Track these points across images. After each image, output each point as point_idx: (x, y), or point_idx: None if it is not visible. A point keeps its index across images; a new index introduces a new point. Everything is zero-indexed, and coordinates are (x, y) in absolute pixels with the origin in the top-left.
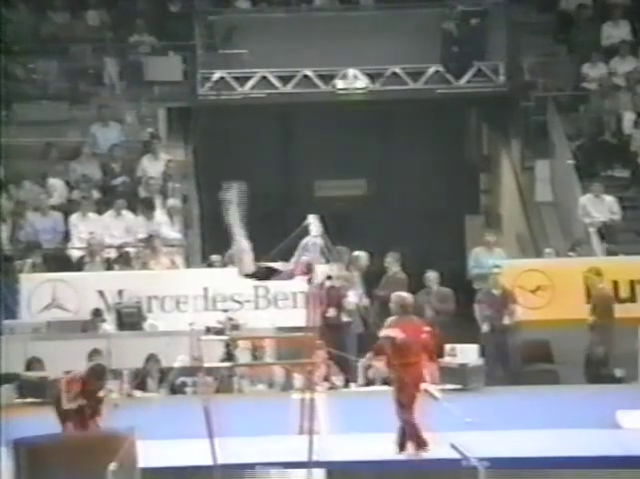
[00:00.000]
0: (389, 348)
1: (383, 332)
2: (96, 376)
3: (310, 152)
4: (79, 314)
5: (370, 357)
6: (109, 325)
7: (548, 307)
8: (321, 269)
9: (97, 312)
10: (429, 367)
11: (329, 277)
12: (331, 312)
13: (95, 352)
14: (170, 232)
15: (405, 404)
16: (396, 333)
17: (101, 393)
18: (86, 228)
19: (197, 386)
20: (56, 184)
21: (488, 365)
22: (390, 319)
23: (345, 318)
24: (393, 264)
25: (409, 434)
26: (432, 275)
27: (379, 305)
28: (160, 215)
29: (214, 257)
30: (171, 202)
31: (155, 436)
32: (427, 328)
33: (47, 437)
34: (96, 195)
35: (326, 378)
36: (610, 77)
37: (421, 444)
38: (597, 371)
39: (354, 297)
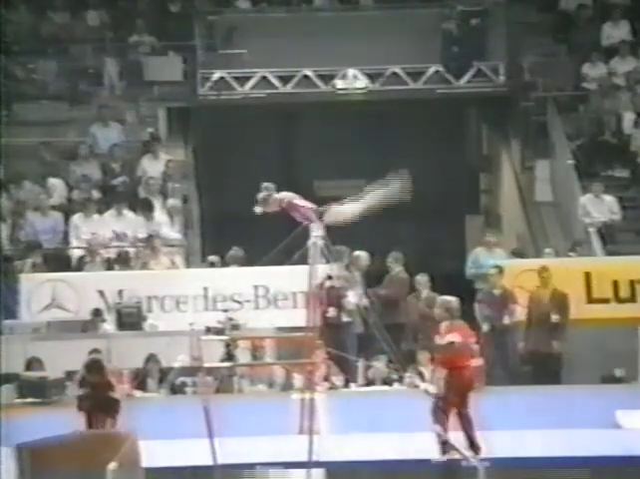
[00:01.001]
0: (449, 353)
1: (444, 339)
2: (89, 370)
3: (310, 152)
4: (79, 314)
5: (436, 371)
6: (109, 325)
7: None
8: (321, 269)
9: (97, 312)
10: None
11: (329, 277)
12: (331, 312)
13: (94, 352)
14: (170, 232)
15: (447, 409)
16: (456, 337)
17: (112, 394)
18: (88, 229)
19: (197, 386)
20: (56, 183)
21: (488, 365)
22: (444, 325)
23: (345, 318)
24: (395, 264)
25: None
26: (422, 279)
27: (380, 305)
28: (159, 215)
29: (212, 258)
30: (171, 202)
31: (155, 436)
32: (472, 332)
33: (48, 440)
34: (96, 195)
35: (326, 378)
36: (610, 77)
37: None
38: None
39: (354, 297)
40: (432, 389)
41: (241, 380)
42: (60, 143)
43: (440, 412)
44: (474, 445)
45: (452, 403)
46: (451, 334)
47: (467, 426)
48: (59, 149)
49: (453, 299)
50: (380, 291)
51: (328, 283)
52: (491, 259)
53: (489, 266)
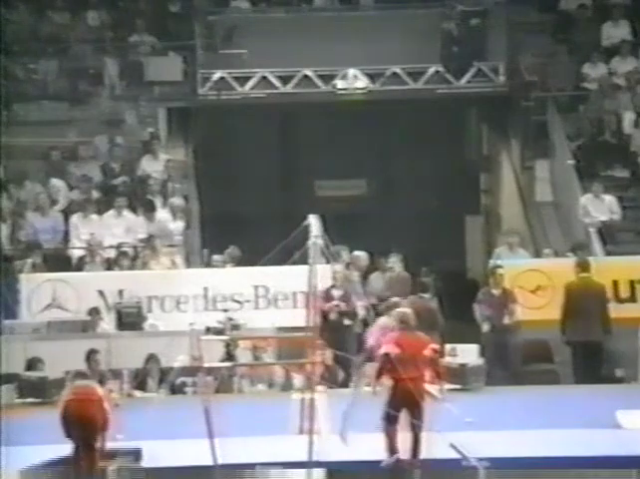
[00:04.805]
0: (386, 364)
1: (381, 350)
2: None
3: (310, 152)
4: (79, 314)
5: (374, 382)
6: (108, 325)
7: (548, 307)
8: (321, 269)
9: (94, 311)
10: (433, 382)
11: (333, 286)
12: (332, 316)
13: (93, 352)
14: (176, 227)
15: (394, 420)
16: (390, 349)
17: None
18: (86, 229)
19: (197, 386)
20: (57, 184)
21: (488, 365)
22: (389, 335)
23: (347, 321)
24: (396, 265)
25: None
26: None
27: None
28: (162, 212)
29: (216, 258)
30: (175, 200)
31: (155, 436)
32: (432, 345)
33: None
34: (95, 195)
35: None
36: (610, 77)
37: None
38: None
39: (362, 310)
40: (432, 389)
41: (241, 380)
42: (60, 143)
43: (387, 424)
44: (414, 456)
45: (397, 415)
46: (387, 346)
47: (413, 437)
48: (59, 149)
49: (407, 311)
50: (383, 293)
51: (332, 291)
52: (498, 259)
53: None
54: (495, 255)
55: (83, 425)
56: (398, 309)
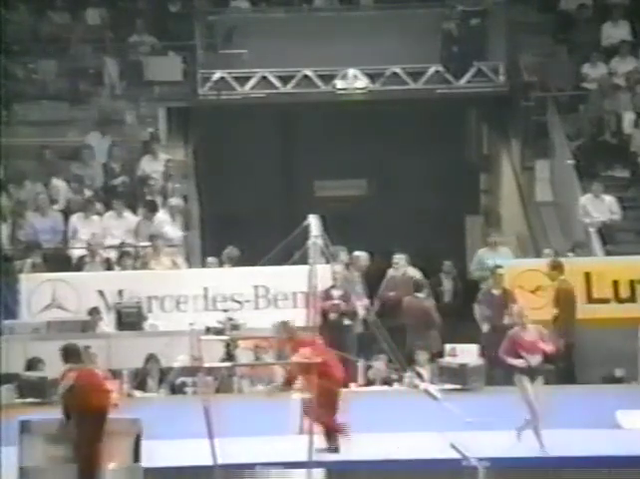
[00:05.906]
0: (297, 370)
1: (294, 358)
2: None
3: (310, 152)
4: (79, 314)
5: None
6: (107, 326)
7: (548, 307)
8: (321, 269)
9: (93, 311)
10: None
11: (333, 286)
12: (332, 316)
13: (86, 347)
14: (173, 231)
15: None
16: (308, 353)
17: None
18: (86, 229)
19: (197, 386)
20: (58, 184)
21: (489, 365)
22: (302, 349)
23: (346, 322)
24: (401, 265)
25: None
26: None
27: (389, 307)
28: (162, 214)
29: (210, 259)
30: (174, 201)
31: (154, 436)
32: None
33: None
34: (87, 194)
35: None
36: (610, 77)
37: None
38: None
39: (362, 310)
40: (432, 390)
41: (241, 380)
42: (60, 143)
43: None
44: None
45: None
46: (303, 350)
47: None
48: (59, 149)
49: (287, 320)
50: (389, 294)
51: (332, 291)
52: (498, 259)
53: (491, 266)
54: (478, 257)
55: (92, 415)
56: (279, 321)
